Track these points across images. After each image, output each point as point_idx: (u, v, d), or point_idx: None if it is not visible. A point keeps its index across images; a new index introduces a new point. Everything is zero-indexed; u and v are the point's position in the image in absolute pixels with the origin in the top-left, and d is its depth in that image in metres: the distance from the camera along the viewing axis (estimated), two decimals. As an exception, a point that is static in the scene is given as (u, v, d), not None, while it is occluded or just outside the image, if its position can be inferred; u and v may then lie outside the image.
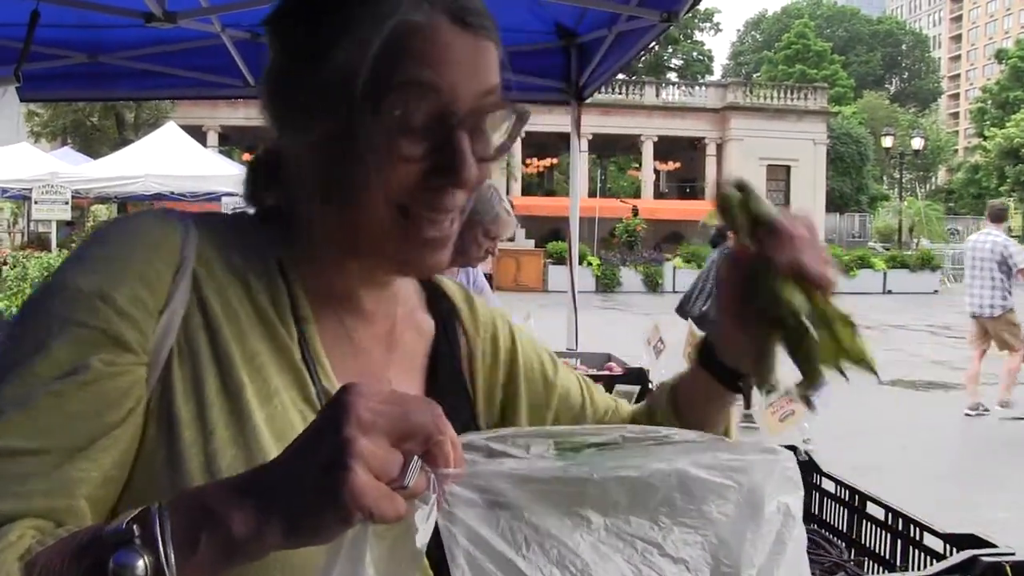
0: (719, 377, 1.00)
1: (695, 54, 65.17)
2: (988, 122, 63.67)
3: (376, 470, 0.57)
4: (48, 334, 0.72)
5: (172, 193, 15.87)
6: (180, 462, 0.73)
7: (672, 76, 57.33)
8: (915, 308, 22.87)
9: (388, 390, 0.62)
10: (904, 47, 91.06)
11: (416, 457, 0.59)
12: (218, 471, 0.72)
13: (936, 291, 29.03)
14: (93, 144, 25.99)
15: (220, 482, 0.65)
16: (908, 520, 1.84)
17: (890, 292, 28.50)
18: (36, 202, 15.13)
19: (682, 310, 9.11)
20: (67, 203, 14.97)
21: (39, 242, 20.82)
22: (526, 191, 37.86)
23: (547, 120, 33.68)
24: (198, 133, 23.67)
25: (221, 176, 14.88)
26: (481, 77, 0.80)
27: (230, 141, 33.24)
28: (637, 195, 37.64)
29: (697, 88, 42.05)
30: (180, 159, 15.71)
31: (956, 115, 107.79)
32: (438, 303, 1.05)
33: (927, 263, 29.59)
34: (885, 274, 29.11)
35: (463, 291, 1.09)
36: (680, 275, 28.07)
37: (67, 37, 4.24)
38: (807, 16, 79.52)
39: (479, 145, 0.80)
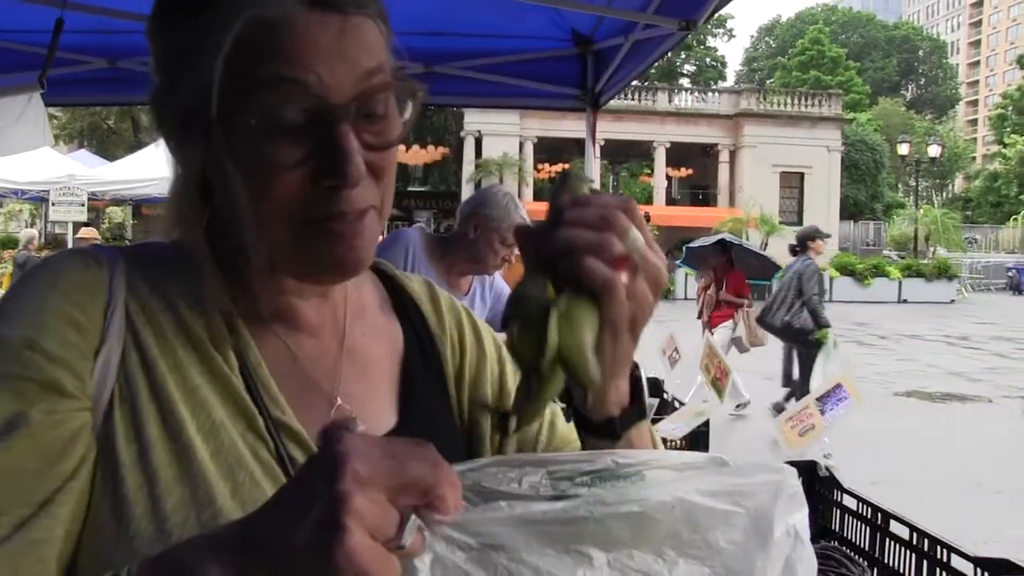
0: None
1: (708, 60, 65.03)
2: (1008, 129, 63.25)
3: (372, 529, 0.52)
4: None
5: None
6: (125, 509, 0.69)
7: (685, 82, 57.25)
8: (931, 318, 22.70)
9: (380, 438, 0.57)
10: (921, 53, 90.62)
11: (412, 515, 0.55)
12: (164, 516, 0.68)
13: (953, 300, 28.82)
14: (109, 147, 26.25)
15: (196, 538, 0.60)
16: (935, 541, 1.80)
17: (905, 301, 28.32)
18: (53, 203, 15.24)
19: (762, 321, 8.81)
20: (83, 205, 15.08)
21: (56, 243, 21.01)
22: (538, 196, 37.81)
23: (559, 125, 33.83)
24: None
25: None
26: (355, 60, 0.73)
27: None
28: (649, 201, 37.55)
29: (710, 94, 41.94)
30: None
31: (974, 122, 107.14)
32: (403, 304, 0.99)
33: (944, 272, 29.38)
34: (900, 283, 28.92)
35: (427, 288, 1.03)
36: (692, 283, 28.01)
37: (87, 43, 4.25)
38: (822, 22, 79.22)
39: (370, 134, 0.74)
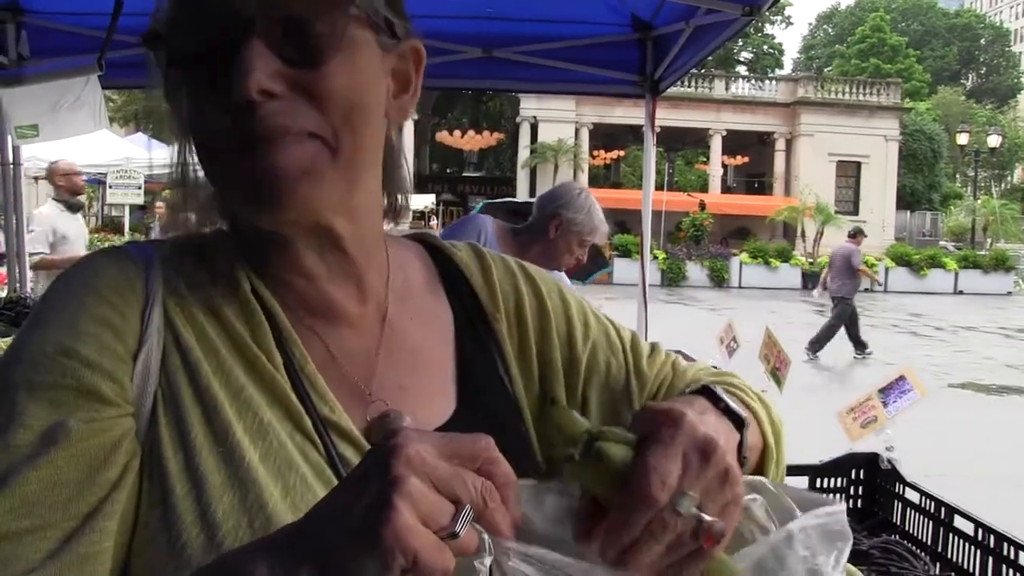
0: None
1: (765, 47, 63.98)
2: (1072, 119, 61.26)
3: (424, 515, 0.51)
4: (15, 404, 0.65)
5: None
6: (174, 518, 0.66)
7: (742, 69, 56.42)
8: (987, 310, 22.16)
9: (435, 432, 0.57)
10: (983, 41, 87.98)
11: (468, 507, 0.53)
12: (215, 523, 0.66)
13: (1010, 292, 28.12)
14: (166, 130, 26.64)
15: (251, 543, 0.58)
16: (1001, 537, 1.77)
17: (961, 293, 27.69)
18: (111, 186, 15.49)
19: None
20: (140, 188, 15.29)
21: (112, 226, 21.44)
22: (592, 182, 37.65)
23: (614, 112, 33.62)
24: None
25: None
26: None
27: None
28: (704, 189, 37.21)
29: (767, 82, 41.33)
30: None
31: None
32: (454, 281, 0.93)
33: (1001, 264, 28.64)
34: (956, 274, 28.28)
35: (476, 258, 0.96)
36: (746, 271, 27.70)
37: (144, 25, 4.32)
38: (882, 9, 77.35)
39: (295, 49, 0.69)
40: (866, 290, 27.38)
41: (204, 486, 0.67)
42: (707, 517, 0.61)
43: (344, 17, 0.71)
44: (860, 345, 12.72)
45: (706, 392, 0.77)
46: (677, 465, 0.62)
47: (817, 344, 12.52)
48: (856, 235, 13.40)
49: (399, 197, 0.88)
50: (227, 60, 0.67)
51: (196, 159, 0.75)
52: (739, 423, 0.75)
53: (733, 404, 0.75)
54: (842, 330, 12.67)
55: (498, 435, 0.58)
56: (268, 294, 0.78)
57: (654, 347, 1.01)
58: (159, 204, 12.39)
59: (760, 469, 0.84)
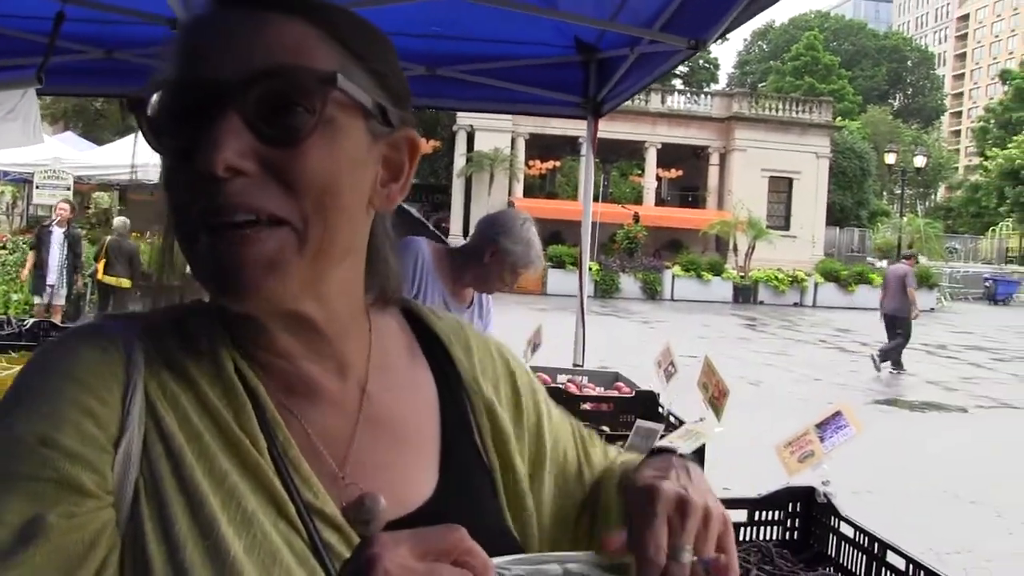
0: None
1: (701, 62, 65.13)
2: (990, 142, 63.79)
3: None
4: None
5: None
6: None
7: (677, 83, 57.36)
8: (913, 326, 22.85)
9: (409, 532, 0.56)
10: (909, 63, 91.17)
11: None
12: None
13: (933, 309, 29.06)
14: (96, 130, 25.98)
15: None
16: (930, 573, 1.82)
17: (888, 309, 28.53)
18: (37, 186, 15.09)
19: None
20: (69, 189, 14.91)
21: (38, 227, 20.73)
22: (528, 192, 37.82)
23: (552, 123, 33.78)
24: (202, 122, 23.54)
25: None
26: (250, 52, 0.68)
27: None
28: (639, 201, 37.62)
29: (702, 97, 42.05)
30: (185, 148, 15.67)
31: (958, 133, 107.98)
32: (432, 348, 0.93)
33: (925, 281, 29.60)
34: (883, 290, 29.16)
35: (459, 331, 0.97)
36: (679, 283, 28.13)
37: (84, 32, 4.18)
38: (816, 28, 79.53)
39: (270, 126, 0.67)
40: (795, 305, 28.14)
41: None
42: (707, 556, 0.71)
43: (325, 99, 0.69)
44: (887, 357, 13.75)
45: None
46: (664, 529, 0.70)
47: (890, 355, 13.67)
48: (910, 257, 14.83)
49: (389, 284, 0.87)
50: (201, 128, 0.67)
51: None
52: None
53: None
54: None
55: (476, 512, 0.61)
56: (251, 374, 0.76)
57: (591, 434, 1.07)
58: (61, 205, 11.92)
59: None
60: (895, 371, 13.60)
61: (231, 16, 0.71)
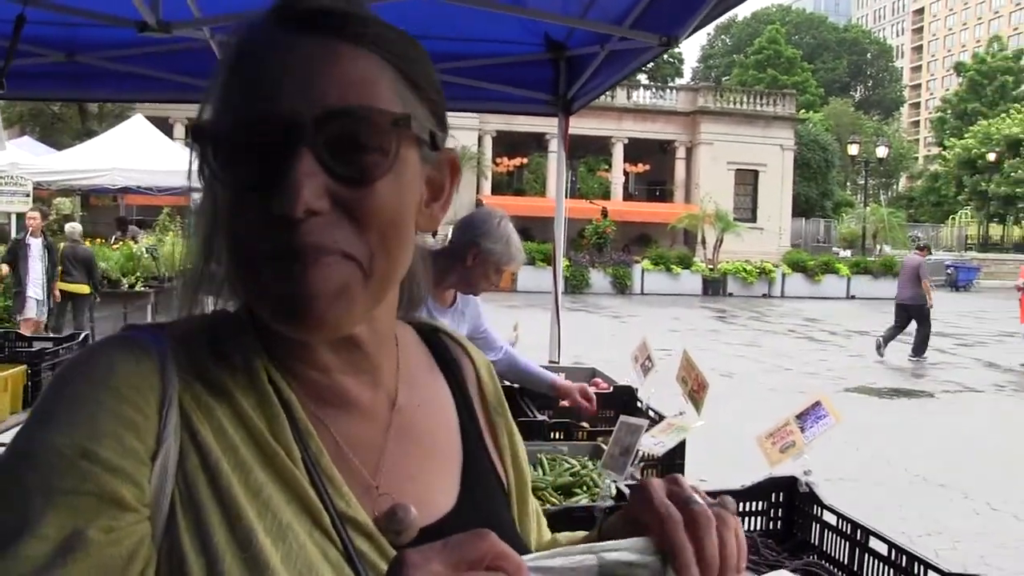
0: None
1: (666, 57, 65.50)
2: (948, 132, 64.90)
3: None
4: (28, 510, 0.61)
5: (139, 187, 15.63)
6: None
7: (643, 78, 57.66)
8: (878, 314, 23.12)
9: (440, 544, 0.55)
10: (869, 56, 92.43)
11: None
12: None
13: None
14: (54, 134, 25.52)
15: None
16: (912, 557, 1.85)
17: (853, 297, 28.94)
18: (-5, 193, 14.77)
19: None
20: (28, 195, 14.59)
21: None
22: (496, 189, 37.84)
23: (519, 120, 33.80)
24: (164, 125, 23.28)
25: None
26: (326, 87, 0.68)
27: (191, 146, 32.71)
28: (606, 196, 37.78)
29: (668, 91, 42.29)
30: (148, 152, 15.47)
31: (917, 123, 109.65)
32: (449, 367, 0.95)
33: (889, 269, 30.05)
34: (849, 280, 29.55)
35: (466, 351, 1.00)
36: (648, 277, 28.29)
37: (44, 34, 4.10)
38: (778, 22, 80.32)
39: (342, 165, 0.68)
40: (764, 296, 28.42)
41: None
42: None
43: (400, 141, 0.71)
44: (920, 349, 14.30)
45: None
46: (666, 491, 0.67)
47: (920, 349, 14.20)
48: (923, 248, 15.16)
49: (414, 301, 0.89)
50: (271, 163, 0.67)
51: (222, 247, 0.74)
52: None
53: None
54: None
55: (495, 523, 0.59)
56: (284, 385, 0.76)
57: None
58: (31, 214, 11.39)
59: None
60: (916, 359, 14.06)
61: (299, 44, 0.70)
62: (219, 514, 0.67)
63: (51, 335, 7.35)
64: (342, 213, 0.68)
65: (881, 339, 14.38)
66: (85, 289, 11.45)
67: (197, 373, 0.73)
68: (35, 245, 11.02)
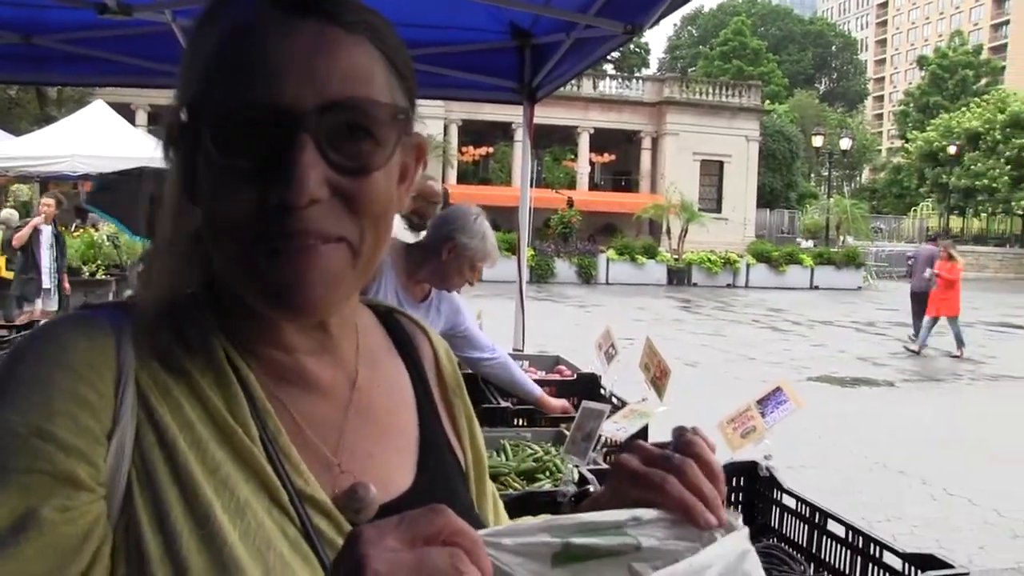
0: None
1: (632, 47, 65.70)
2: (910, 125, 65.81)
3: None
4: None
5: (99, 174, 15.36)
6: None
7: (609, 68, 57.80)
8: (841, 304, 23.55)
9: (395, 520, 0.55)
10: (834, 48, 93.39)
11: None
12: None
13: (860, 287, 29.97)
14: (12, 119, 24.97)
15: None
16: (868, 539, 1.89)
17: (817, 288, 29.30)
18: (-49, 180, 14.45)
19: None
20: (-15, 182, 14.32)
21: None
22: (461, 179, 37.75)
23: (484, 109, 33.74)
24: (126, 111, 22.91)
25: (152, 158, 14.38)
26: (326, 75, 0.69)
27: (160, 120, 32.26)
28: (572, 186, 37.87)
29: (634, 82, 42.45)
30: (109, 138, 15.18)
31: (880, 116, 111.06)
32: (406, 348, 0.96)
33: (852, 260, 30.52)
34: (812, 270, 29.91)
35: (423, 332, 1.00)
36: (613, 267, 28.41)
37: (7, 15, 4.01)
38: (743, 14, 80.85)
39: (341, 155, 0.69)
40: (728, 286, 28.70)
41: (186, 571, 0.64)
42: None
43: (398, 133, 0.73)
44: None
45: None
46: (642, 462, 0.68)
47: (958, 338, 14.25)
48: (936, 238, 15.85)
49: (371, 282, 0.89)
50: (270, 150, 0.67)
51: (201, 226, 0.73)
52: None
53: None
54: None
55: (452, 502, 0.59)
56: (243, 364, 0.76)
57: None
58: (46, 201, 11.16)
59: None
60: (959, 352, 14.12)
61: (297, 28, 0.70)
62: (176, 491, 0.67)
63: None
64: (339, 200, 0.70)
65: (909, 336, 14.74)
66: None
67: (154, 351, 0.72)
68: (46, 232, 10.83)
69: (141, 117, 30.91)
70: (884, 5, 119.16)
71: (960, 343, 14.00)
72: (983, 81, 68.73)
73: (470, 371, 3.49)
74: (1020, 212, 49.34)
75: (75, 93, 25.40)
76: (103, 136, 15.18)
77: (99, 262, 13.34)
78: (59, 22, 4.08)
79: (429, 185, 5.57)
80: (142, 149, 15.27)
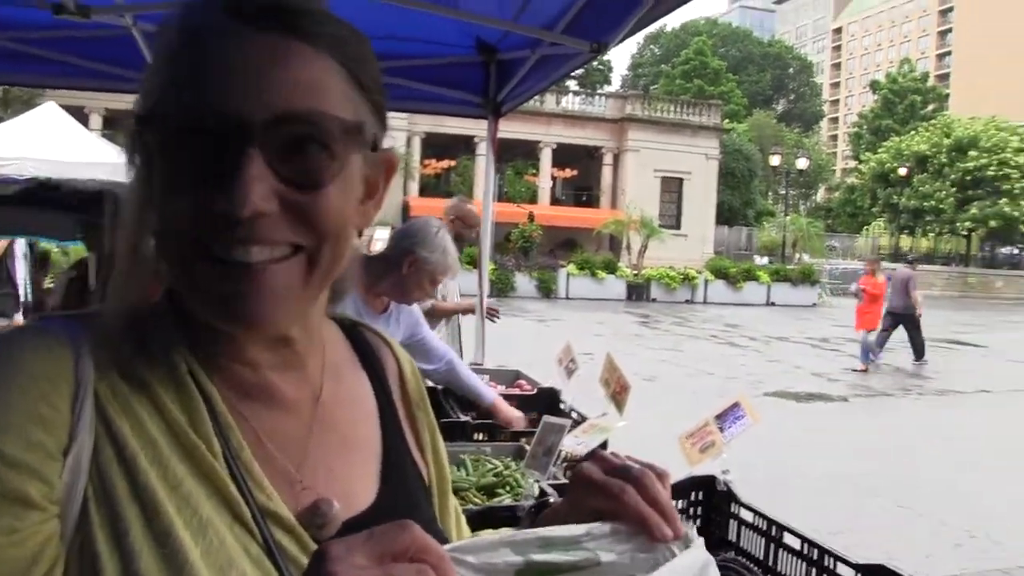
0: None
1: (596, 64, 66.22)
2: (863, 147, 67.26)
3: None
4: None
5: (51, 179, 15.04)
6: None
7: (572, 84, 58.19)
8: (796, 321, 23.88)
9: (363, 536, 0.54)
10: (791, 70, 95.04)
11: None
12: None
13: (815, 304, 30.44)
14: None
15: None
16: (823, 550, 1.92)
17: (773, 304, 29.70)
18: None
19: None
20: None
21: None
22: (424, 192, 37.68)
23: (448, 123, 33.75)
24: (80, 115, 22.49)
25: (106, 163, 14.15)
26: (281, 87, 0.67)
27: (116, 125, 31.79)
28: (534, 201, 37.99)
29: (597, 98, 42.76)
30: (61, 142, 14.84)
31: (835, 137, 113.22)
32: (370, 362, 0.95)
33: (808, 277, 31.00)
34: (769, 287, 30.32)
35: (387, 346, 0.99)
36: (573, 282, 28.54)
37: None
38: (705, 35, 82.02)
39: (290, 168, 0.67)
40: (687, 301, 28.97)
41: None
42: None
43: (350, 148, 0.71)
44: (920, 353, 15.44)
45: None
46: (602, 472, 0.70)
47: (920, 352, 15.36)
48: (913, 263, 17.13)
49: (338, 296, 0.88)
50: (217, 161, 0.65)
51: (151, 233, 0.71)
52: None
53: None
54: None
55: (416, 517, 0.58)
56: (205, 378, 0.74)
57: None
58: None
59: None
60: (919, 362, 15.19)
61: (252, 39, 0.68)
62: (136, 508, 0.65)
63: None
64: (290, 214, 0.68)
65: (875, 346, 15.13)
66: None
67: (114, 364, 0.70)
68: (19, 244, 10.32)
69: (96, 121, 30.40)
70: (839, 31, 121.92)
71: (866, 358, 14.40)
72: (930, 107, 70.60)
73: (431, 384, 3.48)
74: (964, 232, 50.66)
75: (23, 94, 24.78)
76: (55, 139, 14.82)
77: (49, 276, 13.01)
78: (12, 20, 3.94)
79: (468, 209, 5.58)
80: (97, 153, 15.02)
